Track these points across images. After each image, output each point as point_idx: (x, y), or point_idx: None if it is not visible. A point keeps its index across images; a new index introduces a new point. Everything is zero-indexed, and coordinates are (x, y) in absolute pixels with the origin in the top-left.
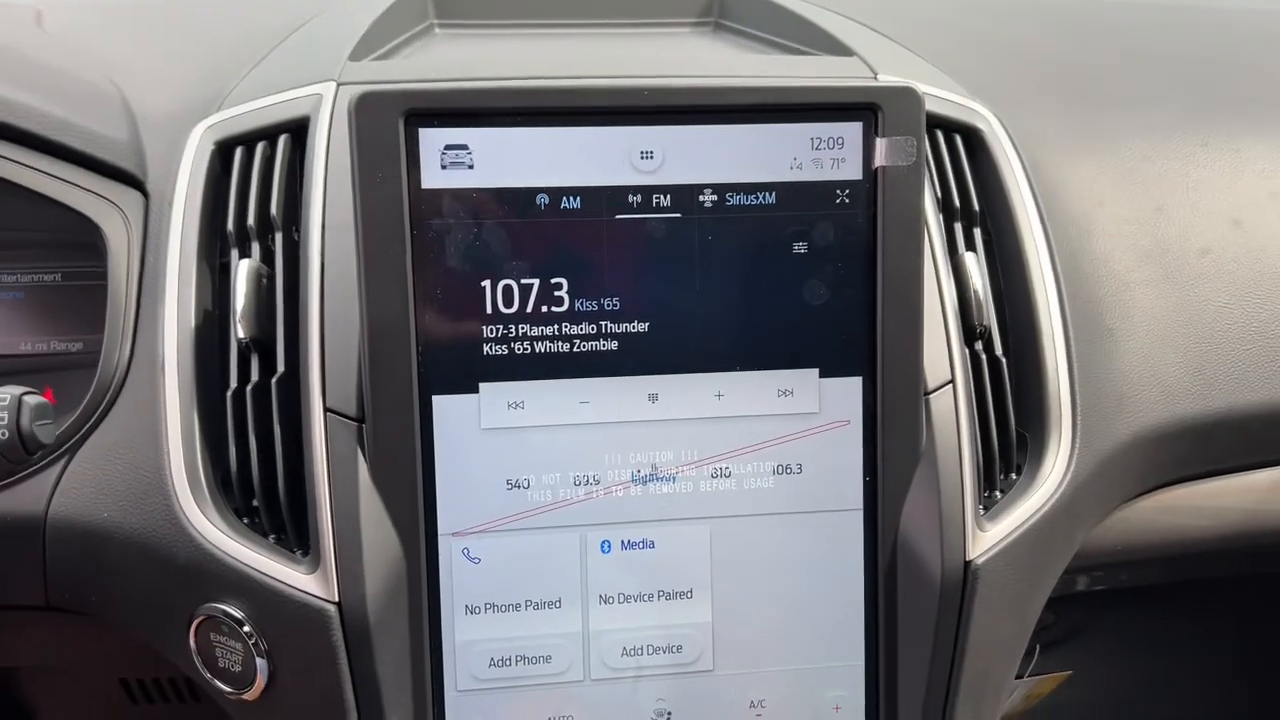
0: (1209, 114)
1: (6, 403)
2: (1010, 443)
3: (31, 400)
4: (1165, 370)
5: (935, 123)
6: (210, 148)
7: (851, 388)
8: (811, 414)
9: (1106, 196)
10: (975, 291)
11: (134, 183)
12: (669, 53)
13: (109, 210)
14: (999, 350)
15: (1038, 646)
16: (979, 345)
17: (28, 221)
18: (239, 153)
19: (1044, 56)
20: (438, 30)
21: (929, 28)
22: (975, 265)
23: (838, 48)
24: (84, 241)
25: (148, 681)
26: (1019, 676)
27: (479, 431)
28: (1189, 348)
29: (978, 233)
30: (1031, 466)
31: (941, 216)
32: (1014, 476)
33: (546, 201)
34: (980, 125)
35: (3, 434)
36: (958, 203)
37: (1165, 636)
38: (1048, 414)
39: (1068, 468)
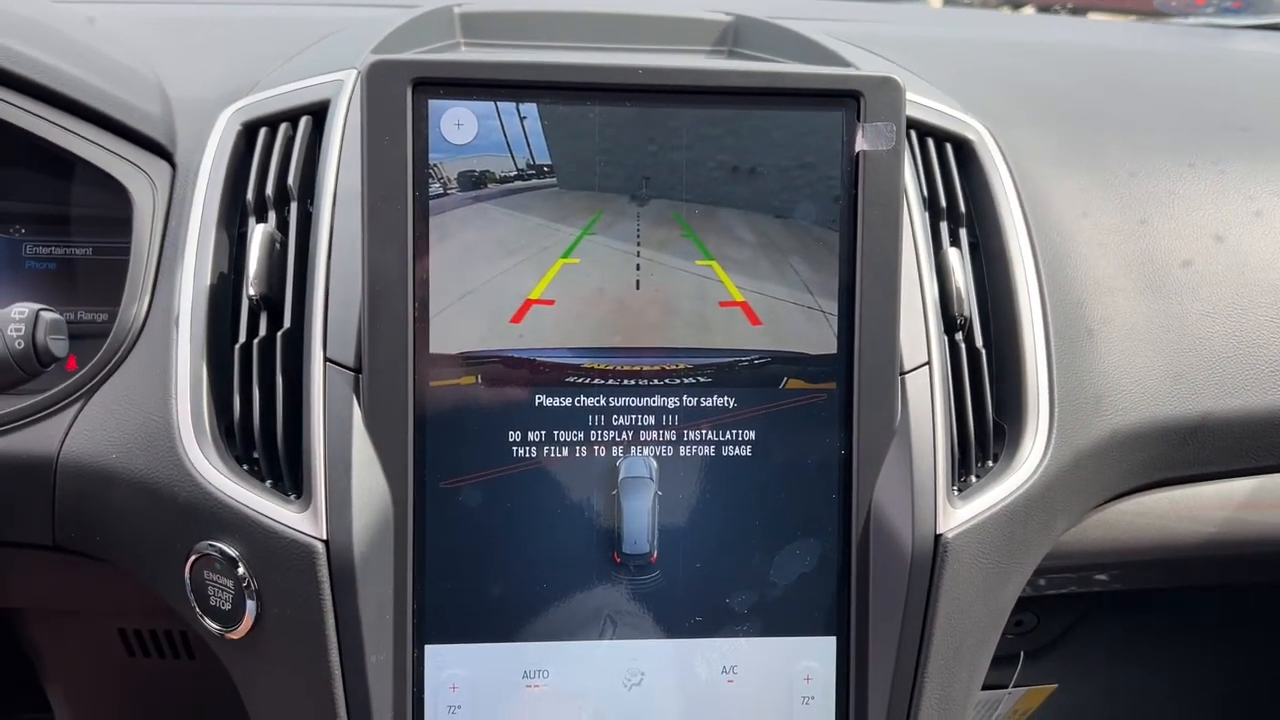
0: (1197, 138)
1: (25, 315)
2: (987, 431)
3: (48, 316)
4: (1145, 373)
5: (927, 131)
6: (237, 127)
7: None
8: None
9: (1092, 208)
10: (957, 285)
11: (163, 153)
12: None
13: (137, 175)
14: (979, 342)
15: (1022, 654)
16: (959, 336)
17: (63, 195)
18: (263, 132)
19: (1039, 84)
20: (464, 48)
21: (938, 61)
22: (958, 261)
23: (843, 64)
24: (115, 217)
25: (145, 633)
26: (1005, 686)
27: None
28: (1169, 352)
29: (963, 233)
30: (1008, 454)
31: (928, 215)
32: (991, 464)
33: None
34: (971, 136)
35: (19, 344)
36: (944, 203)
37: (1151, 647)
38: (1025, 405)
39: (1043, 457)
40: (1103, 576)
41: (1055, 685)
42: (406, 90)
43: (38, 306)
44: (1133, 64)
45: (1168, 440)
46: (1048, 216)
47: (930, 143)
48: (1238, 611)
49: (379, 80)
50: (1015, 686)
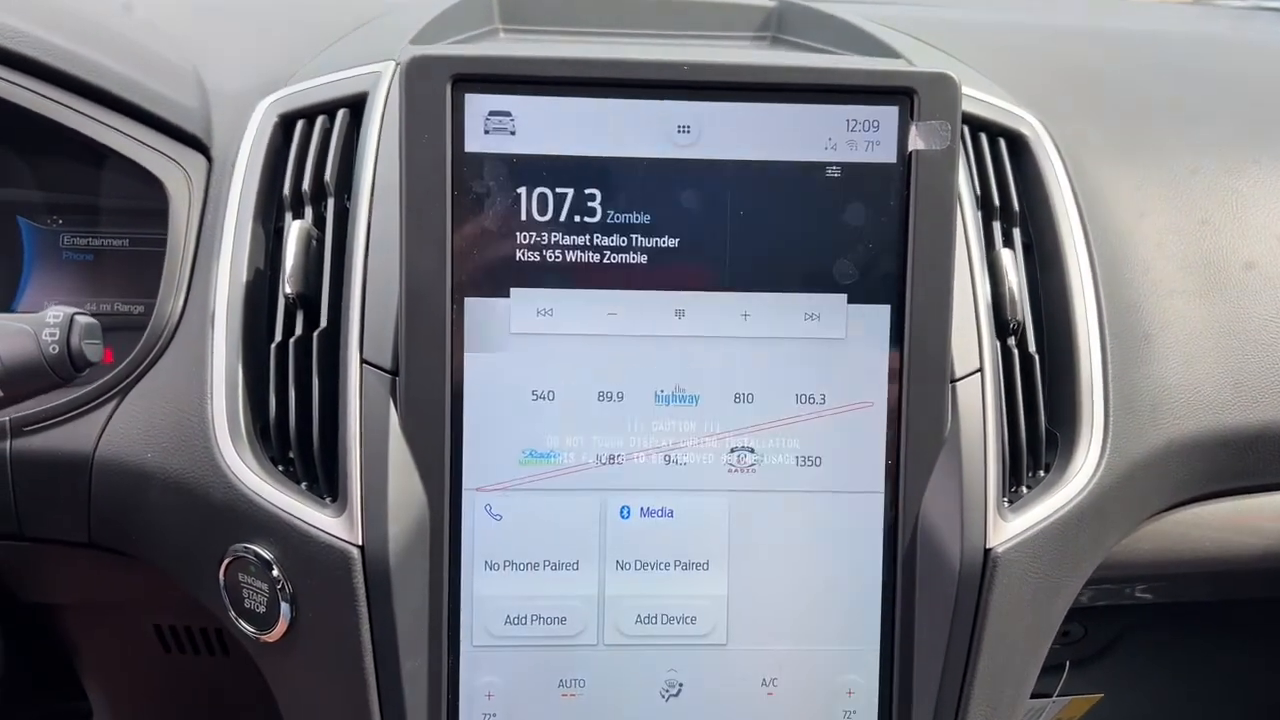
0: (1263, 133)
1: (59, 319)
2: (1040, 439)
3: (83, 320)
4: (1204, 380)
5: (980, 126)
6: (274, 119)
7: (879, 315)
8: (838, 340)
9: (1151, 207)
10: (1010, 288)
11: (199, 146)
12: (720, 53)
13: (173, 169)
14: (1032, 347)
15: (1068, 663)
16: (1012, 341)
17: (101, 187)
18: (300, 125)
19: (1098, 75)
20: (502, 34)
21: (988, 47)
22: (1011, 262)
23: (889, 54)
24: (152, 209)
25: (180, 630)
26: (1049, 695)
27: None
28: (1229, 359)
29: (1016, 232)
30: (1060, 464)
31: (980, 214)
32: (1042, 474)
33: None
34: (1025, 131)
35: (53, 349)
36: (997, 202)
37: (1201, 661)
38: (1079, 413)
39: (1097, 468)
40: (1156, 588)
41: (1101, 695)
42: (446, 86)
43: (72, 310)
44: (1191, 51)
45: (1227, 450)
46: (1104, 215)
47: (983, 137)
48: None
49: (417, 76)
50: (1060, 695)
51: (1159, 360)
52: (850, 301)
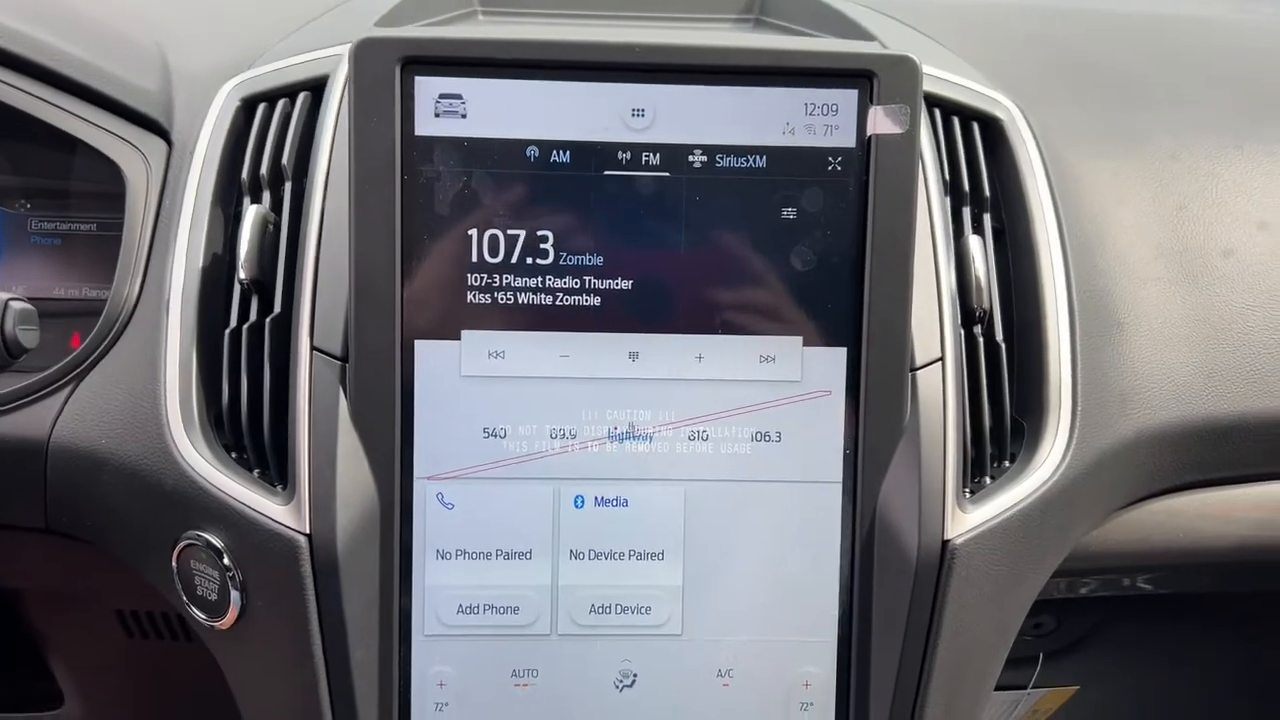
0: (1246, 117)
1: None
2: (1005, 429)
3: (17, 305)
4: (1177, 369)
5: (954, 110)
6: (236, 103)
7: (835, 358)
8: (793, 382)
9: (1128, 193)
10: (976, 275)
11: (159, 131)
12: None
13: (131, 154)
14: (1000, 336)
15: (1041, 655)
16: (978, 329)
17: (68, 171)
18: (261, 108)
19: (1082, 58)
20: (481, 16)
21: (970, 27)
22: (979, 249)
23: (865, 37)
24: (118, 193)
25: (141, 615)
26: (1024, 687)
27: (459, 378)
28: (1204, 348)
29: (987, 219)
30: (1025, 455)
31: (950, 200)
32: (1008, 464)
33: (536, 154)
34: (1000, 115)
35: None
36: (967, 187)
37: (1178, 653)
38: (1046, 403)
39: (1063, 458)
40: (1128, 580)
41: (1077, 687)
42: (395, 69)
43: (6, 296)
44: (1179, 34)
45: (1200, 441)
46: (1080, 201)
47: (955, 122)
48: (1264, 613)
49: (366, 59)
50: (1035, 688)
51: (1131, 349)
52: (806, 345)
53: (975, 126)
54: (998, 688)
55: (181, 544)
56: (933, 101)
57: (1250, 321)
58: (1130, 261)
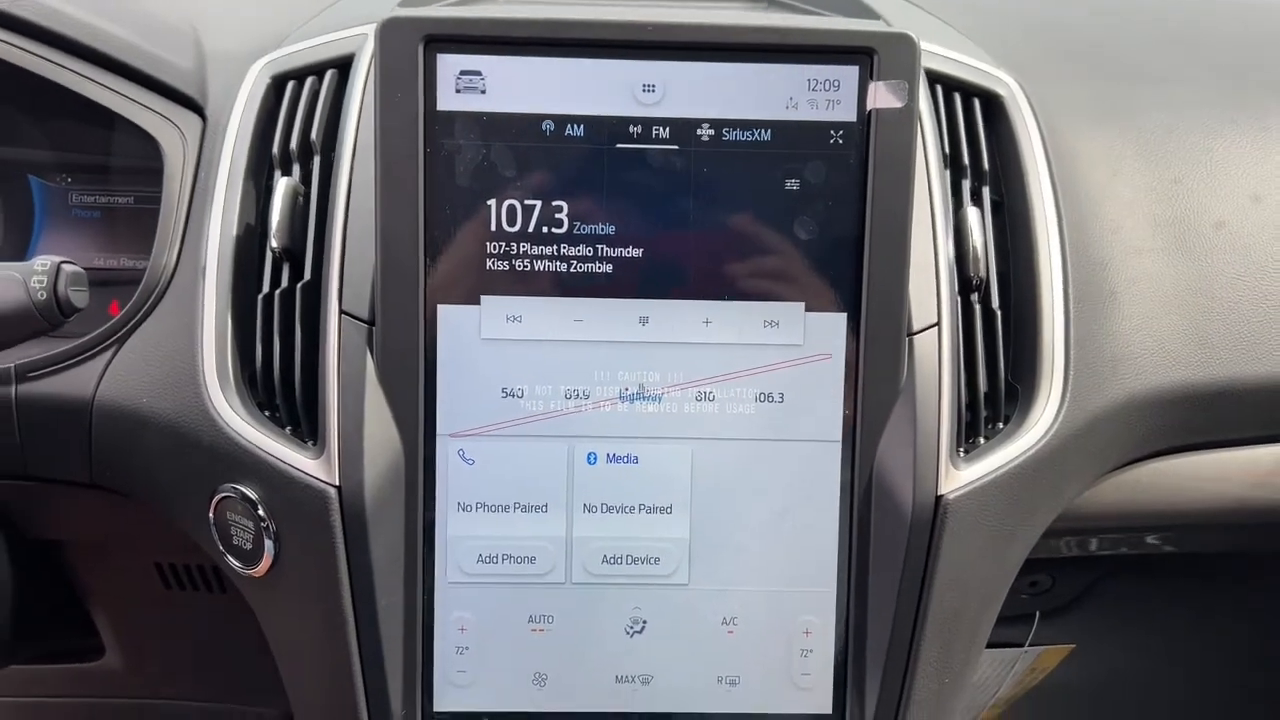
0: (1241, 93)
1: (47, 268)
2: (1000, 393)
3: (69, 268)
4: (1168, 336)
5: (955, 86)
6: (266, 80)
7: (836, 323)
8: (796, 345)
9: (1124, 166)
10: (974, 245)
11: (194, 107)
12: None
13: (168, 128)
14: (996, 303)
15: (1038, 613)
16: (975, 297)
17: (107, 147)
18: (290, 85)
19: (1081, 34)
20: None
21: (976, 7)
22: (977, 220)
23: (871, 17)
24: (155, 168)
25: (179, 567)
26: (1021, 645)
27: (479, 341)
28: (1195, 316)
29: (986, 191)
30: (1019, 417)
31: (950, 173)
32: (1002, 426)
33: (552, 128)
34: (1001, 91)
35: (41, 295)
36: (967, 161)
37: (1173, 612)
38: (1040, 367)
39: (1054, 420)
40: (1120, 540)
41: (1073, 645)
42: (418, 47)
43: (59, 259)
44: (1179, 13)
45: (1189, 405)
46: (1077, 174)
47: (957, 98)
48: (1259, 572)
49: (391, 38)
50: (1032, 645)
51: (1124, 316)
52: (808, 310)
53: (976, 102)
54: (996, 644)
55: (218, 496)
56: (935, 78)
57: (1240, 291)
58: (1124, 233)
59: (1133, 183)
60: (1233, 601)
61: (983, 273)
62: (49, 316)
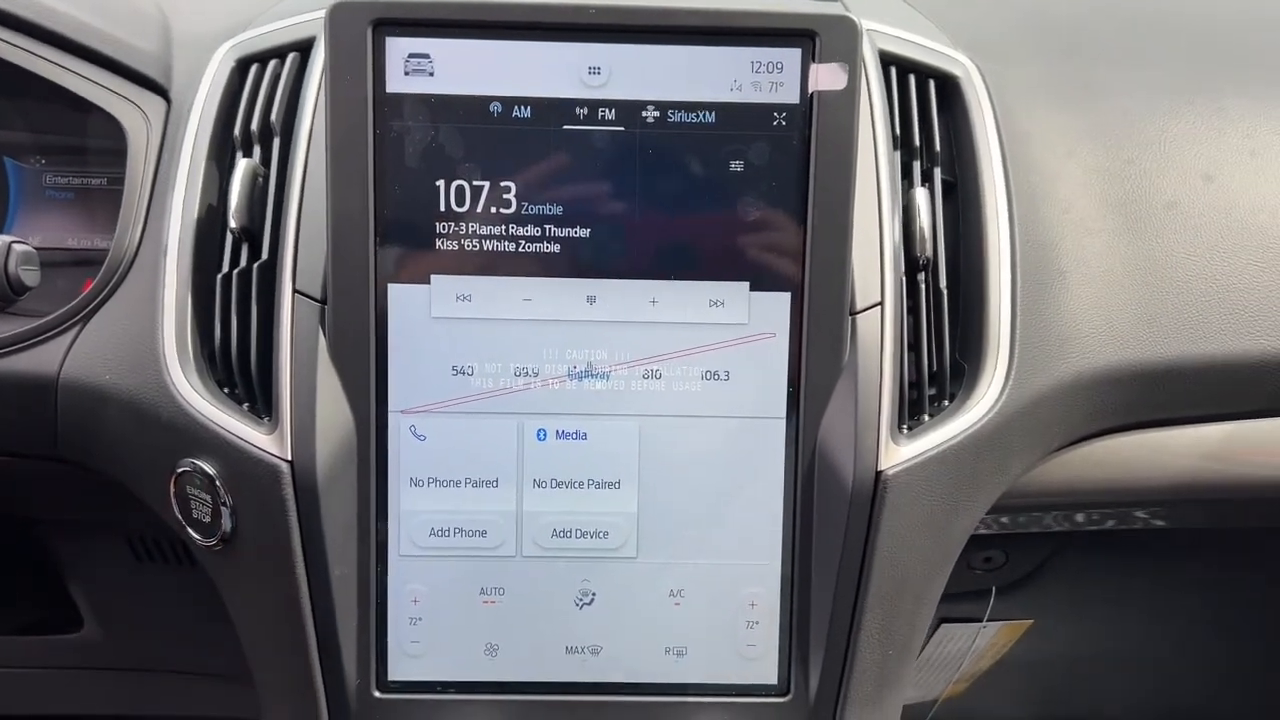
0: (1200, 74)
1: None
2: (945, 371)
3: (19, 248)
4: (1116, 315)
5: (909, 67)
6: (231, 64)
7: (780, 302)
8: (741, 324)
9: (1079, 148)
10: (921, 226)
11: (158, 89)
12: None
13: (132, 111)
14: (943, 283)
15: (994, 589)
16: (921, 276)
17: (79, 129)
18: (254, 68)
19: (1043, 16)
20: None
21: None
22: (925, 200)
23: None
24: (124, 149)
25: (149, 540)
26: (980, 620)
27: (429, 319)
28: (1144, 296)
29: (937, 172)
30: (963, 394)
31: (900, 154)
32: (947, 404)
33: (499, 110)
34: (956, 72)
35: None
36: (918, 142)
37: (1128, 585)
38: (985, 346)
39: (998, 398)
40: (1069, 516)
41: (1031, 620)
42: (367, 30)
43: (10, 239)
44: None
45: (1137, 384)
46: (1031, 155)
47: (911, 79)
48: (1211, 546)
49: (340, 20)
50: (991, 621)
51: (1072, 296)
52: (753, 289)
53: (931, 84)
54: (954, 620)
55: (178, 470)
56: (889, 60)
57: (1189, 270)
58: (1076, 214)
59: (1086, 164)
60: (1186, 576)
61: (929, 252)
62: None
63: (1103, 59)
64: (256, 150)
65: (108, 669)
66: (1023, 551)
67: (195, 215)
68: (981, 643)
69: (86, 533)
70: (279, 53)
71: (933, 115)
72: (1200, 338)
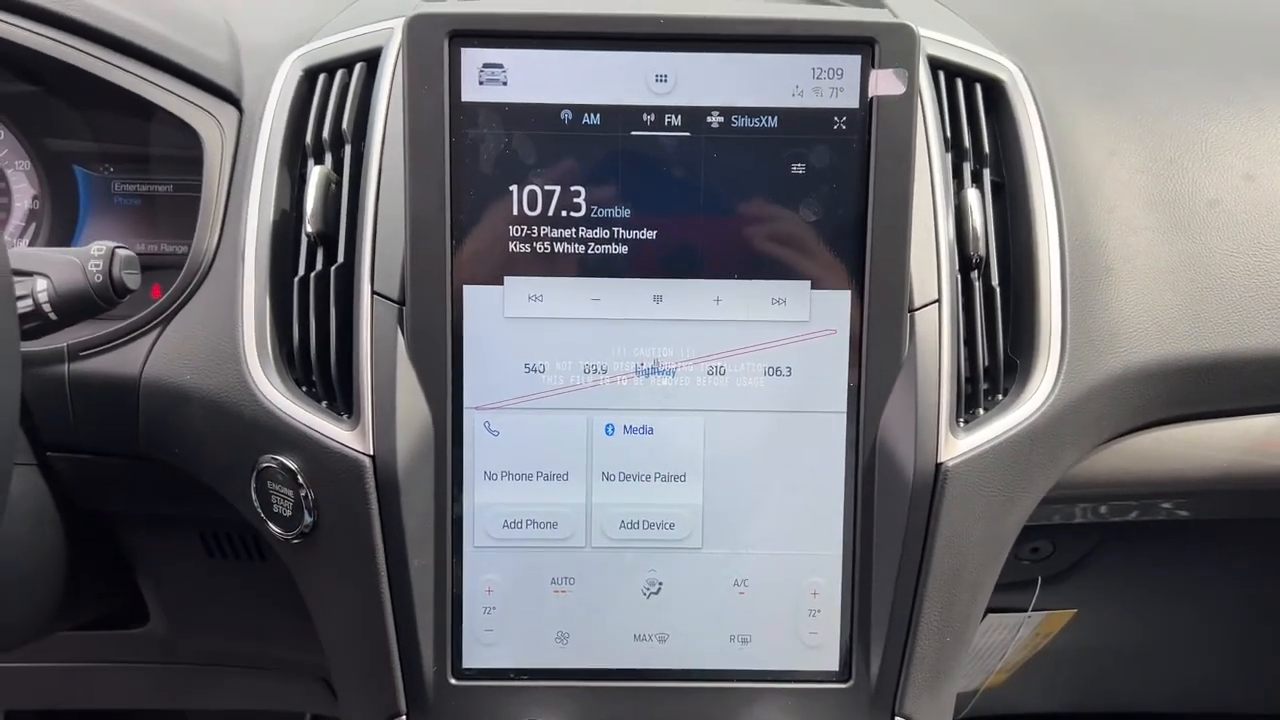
0: (1237, 74)
1: (103, 252)
2: (999, 366)
3: (123, 253)
4: (1162, 310)
5: (957, 72)
6: (299, 74)
7: (840, 300)
8: (802, 322)
9: (1121, 147)
10: (974, 226)
11: (231, 99)
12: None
13: (207, 120)
14: (995, 281)
15: (1040, 579)
16: (975, 275)
17: (148, 138)
18: (322, 78)
19: (1081, 17)
20: None
21: None
22: (977, 201)
23: (877, 5)
24: (193, 157)
25: (221, 535)
26: (1024, 610)
27: (502, 319)
28: (1189, 291)
29: (986, 173)
30: (1017, 389)
31: (951, 156)
32: (1001, 398)
33: (570, 117)
34: (1002, 76)
35: (98, 278)
36: (968, 144)
37: (1173, 576)
38: (1037, 342)
39: (1051, 392)
40: (1116, 508)
41: (1075, 610)
42: (443, 41)
43: (114, 244)
44: None
45: (1183, 377)
46: (1075, 156)
47: (959, 83)
48: (1257, 536)
49: (417, 33)
50: (1035, 610)
51: (1119, 292)
52: (814, 288)
53: (978, 88)
54: (1000, 610)
55: (259, 467)
56: (938, 65)
57: (1233, 267)
58: (1121, 211)
59: (1129, 163)
60: (1230, 567)
61: (982, 251)
62: (105, 297)
63: (1140, 58)
64: (328, 157)
65: (171, 664)
66: (1069, 542)
67: (271, 220)
68: (1025, 632)
69: (161, 528)
70: (346, 63)
71: (980, 118)
72: (1244, 332)
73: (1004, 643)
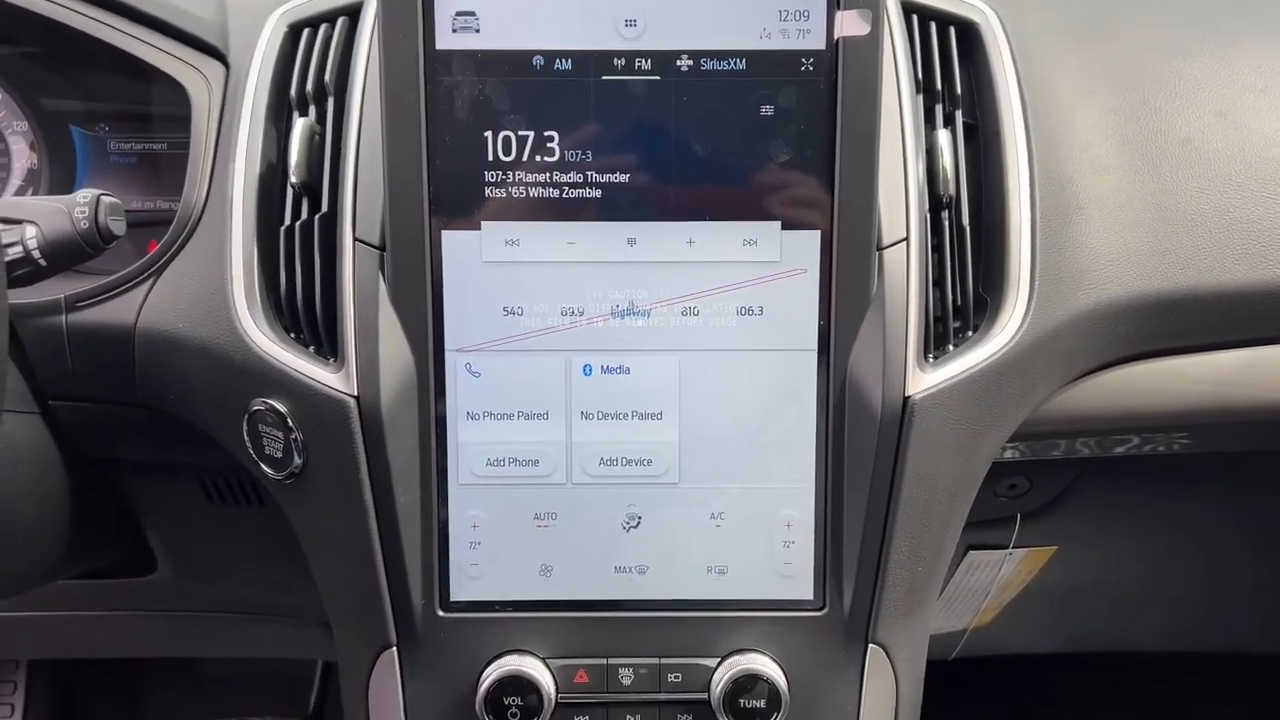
0: (1214, 14)
1: (88, 199)
2: (969, 304)
3: (108, 199)
4: (1133, 247)
5: (931, 15)
6: (284, 29)
7: (810, 240)
8: (773, 262)
9: (1095, 88)
10: (944, 166)
11: (218, 55)
12: None
13: (194, 75)
14: (966, 220)
15: (1019, 516)
16: (945, 214)
17: (141, 96)
18: (305, 33)
19: None
20: None
21: None
22: (947, 141)
23: None
24: (186, 115)
25: (220, 482)
26: (1006, 547)
27: (480, 263)
28: (1159, 228)
29: (958, 115)
30: (986, 325)
31: (922, 97)
32: (970, 334)
33: (542, 63)
34: (976, 19)
35: (84, 224)
36: (940, 86)
37: (1152, 512)
38: (1007, 279)
39: (1020, 328)
40: (1091, 442)
41: (1055, 547)
42: None
43: (98, 192)
44: None
45: (1154, 313)
46: (1050, 95)
47: (933, 26)
48: (1234, 471)
49: None
50: (1016, 547)
51: (1090, 230)
52: (784, 229)
53: (952, 31)
54: (982, 546)
55: (251, 409)
56: (911, 9)
57: (1203, 204)
58: (1093, 152)
59: (1103, 103)
60: (1210, 501)
61: (952, 191)
62: (91, 243)
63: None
64: (312, 110)
65: (178, 612)
66: (1046, 478)
67: (257, 172)
68: (1007, 569)
69: (161, 475)
70: (329, 17)
71: (954, 61)
72: (1214, 268)
73: (988, 581)
